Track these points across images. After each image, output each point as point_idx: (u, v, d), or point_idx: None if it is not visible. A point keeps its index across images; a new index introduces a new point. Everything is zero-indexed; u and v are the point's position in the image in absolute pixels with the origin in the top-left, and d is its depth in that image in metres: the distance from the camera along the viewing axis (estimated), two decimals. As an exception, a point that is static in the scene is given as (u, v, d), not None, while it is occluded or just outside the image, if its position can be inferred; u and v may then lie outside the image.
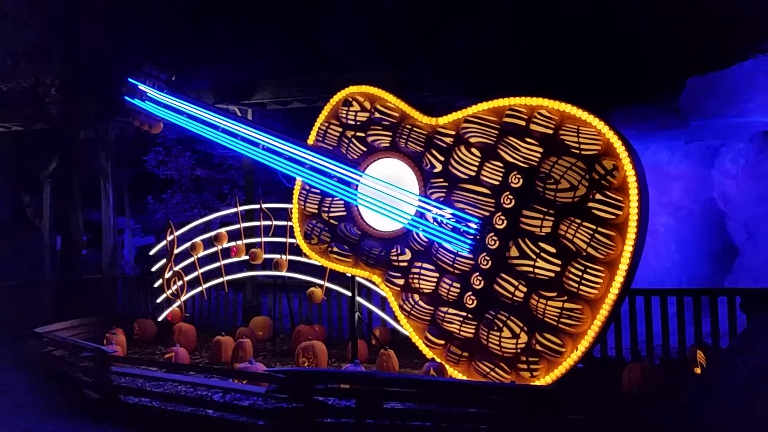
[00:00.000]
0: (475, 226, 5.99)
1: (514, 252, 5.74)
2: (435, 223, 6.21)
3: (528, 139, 5.81)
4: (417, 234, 6.34)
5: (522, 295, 5.68)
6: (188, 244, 9.06)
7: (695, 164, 10.69)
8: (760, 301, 6.26)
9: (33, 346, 8.67)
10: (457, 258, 6.07)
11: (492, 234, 5.90)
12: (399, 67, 8.98)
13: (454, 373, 6.05)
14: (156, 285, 9.34)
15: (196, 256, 9.00)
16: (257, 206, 8.99)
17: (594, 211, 5.44)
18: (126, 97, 8.60)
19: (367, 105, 6.88)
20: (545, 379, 5.55)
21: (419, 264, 6.31)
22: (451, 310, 6.09)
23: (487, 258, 5.91)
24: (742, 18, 7.43)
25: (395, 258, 6.45)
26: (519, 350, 5.67)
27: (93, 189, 11.80)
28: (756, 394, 4.02)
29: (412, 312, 6.31)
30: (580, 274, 5.41)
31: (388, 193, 6.56)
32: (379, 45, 9.35)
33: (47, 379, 7.82)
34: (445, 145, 6.28)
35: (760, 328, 4.77)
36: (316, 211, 7.09)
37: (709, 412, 4.13)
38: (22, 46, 10.85)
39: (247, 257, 8.75)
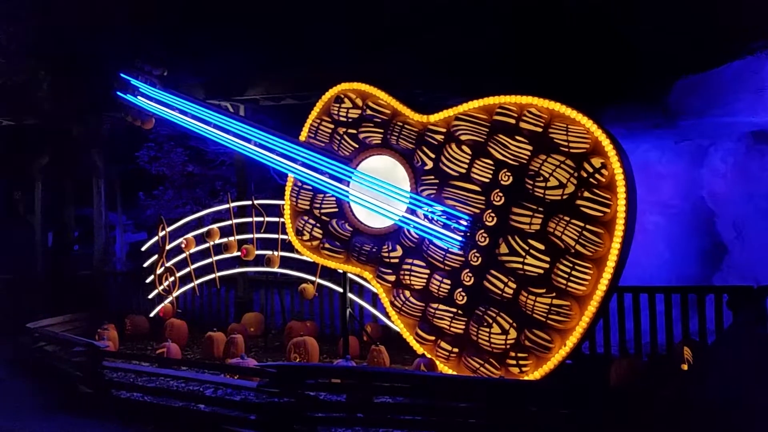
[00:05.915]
0: (465, 223, 6.04)
1: (503, 249, 5.80)
2: (426, 220, 6.26)
3: (518, 137, 5.86)
4: (408, 231, 6.39)
5: (511, 291, 5.74)
6: (180, 240, 9.07)
7: (685, 163, 10.78)
8: (745, 298, 6.34)
9: (25, 342, 8.66)
10: (448, 255, 6.12)
11: (482, 231, 5.95)
12: (391, 65, 9.01)
13: (445, 368, 6.10)
14: (148, 281, 9.34)
15: (188, 252, 9.01)
16: (249, 202, 9.01)
17: (582, 208, 5.50)
18: (118, 93, 8.59)
19: (359, 102, 6.91)
20: (534, 375, 5.61)
21: (410, 260, 6.35)
22: (441, 307, 6.14)
23: (478, 255, 5.96)
24: (731, 18, 7.51)
25: (386, 254, 6.49)
26: (508, 346, 5.73)
27: (85, 185, 11.78)
28: (739, 388, 4.09)
29: (403, 308, 6.36)
30: (568, 270, 5.47)
31: (380, 190, 6.60)
32: (372, 42, 9.37)
33: (39, 374, 7.82)
34: (436, 143, 6.32)
35: (743, 324, 4.86)
36: (308, 207, 7.12)
37: (694, 405, 4.20)
38: (13, 42, 10.81)
39: (239, 253, 8.77)
